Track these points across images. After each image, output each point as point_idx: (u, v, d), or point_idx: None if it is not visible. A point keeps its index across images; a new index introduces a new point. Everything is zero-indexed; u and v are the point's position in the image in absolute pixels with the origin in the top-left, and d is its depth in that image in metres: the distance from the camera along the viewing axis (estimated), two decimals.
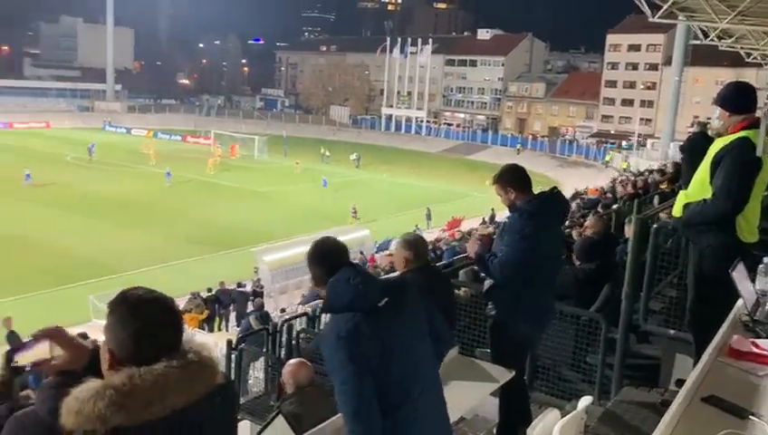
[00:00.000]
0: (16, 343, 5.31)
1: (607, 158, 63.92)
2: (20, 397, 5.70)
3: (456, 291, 5.99)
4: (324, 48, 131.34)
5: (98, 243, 29.32)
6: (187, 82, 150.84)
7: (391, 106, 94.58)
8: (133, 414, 1.74)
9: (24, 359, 2.30)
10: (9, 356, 2.28)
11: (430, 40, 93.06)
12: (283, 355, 7.56)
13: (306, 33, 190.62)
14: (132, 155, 57.80)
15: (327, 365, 2.88)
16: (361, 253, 25.74)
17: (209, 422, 1.94)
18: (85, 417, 1.72)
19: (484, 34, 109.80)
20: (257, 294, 20.33)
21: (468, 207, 39.56)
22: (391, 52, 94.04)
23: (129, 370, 1.81)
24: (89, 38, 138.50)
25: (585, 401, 3.54)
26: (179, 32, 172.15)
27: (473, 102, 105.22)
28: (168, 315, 1.94)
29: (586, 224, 7.51)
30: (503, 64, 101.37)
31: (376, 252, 24.84)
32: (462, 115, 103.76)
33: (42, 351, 2.23)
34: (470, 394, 4.22)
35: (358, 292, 2.80)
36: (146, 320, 1.88)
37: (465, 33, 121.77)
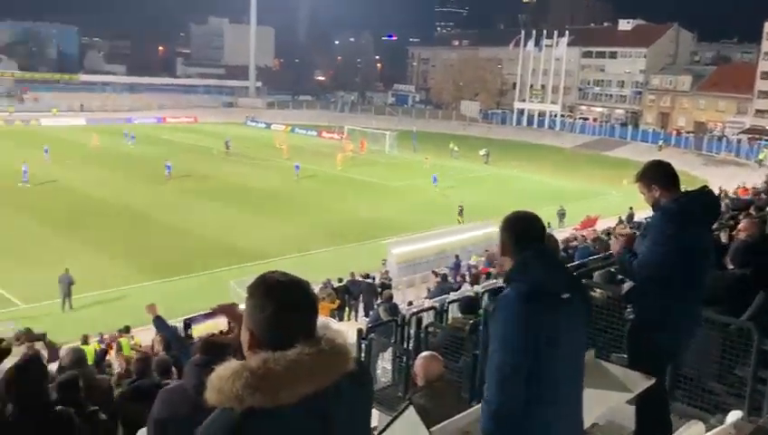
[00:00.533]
0: (161, 327, 5.65)
1: (761, 156, 58.95)
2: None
3: (592, 293, 5.75)
4: (456, 43, 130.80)
5: (237, 231, 31.02)
6: (323, 78, 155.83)
7: (524, 100, 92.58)
8: (267, 397, 1.79)
9: (196, 331, 2.47)
10: (186, 324, 2.47)
11: (567, 32, 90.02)
12: (410, 347, 7.62)
13: (439, 29, 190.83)
14: (268, 149, 60.58)
15: (493, 327, 2.83)
16: (486, 250, 25.43)
17: (342, 409, 1.96)
18: (224, 395, 1.80)
19: (625, 25, 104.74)
20: (385, 286, 20.63)
21: (604, 206, 37.95)
22: (525, 45, 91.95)
23: (264, 354, 1.86)
24: (234, 38, 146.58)
25: (734, 415, 3.28)
26: (317, 30, 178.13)
27: (611, 96, 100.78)
28: (304, 300, 1.97)
29: (739, 227, 6.94)
30: (645, 56, 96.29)
31: None
32: (599, 109, 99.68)
33: (214, 325, 2.38)
34: (604, 400, 4.02)
35: (549, 274, 2.77)
36: (282, 303, 1.92)
37: (605, 24, 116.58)
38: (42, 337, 7.34)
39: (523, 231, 2.87)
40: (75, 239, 28.28)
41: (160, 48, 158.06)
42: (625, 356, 4.54)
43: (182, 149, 59.45)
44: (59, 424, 3.53)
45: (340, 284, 21.04)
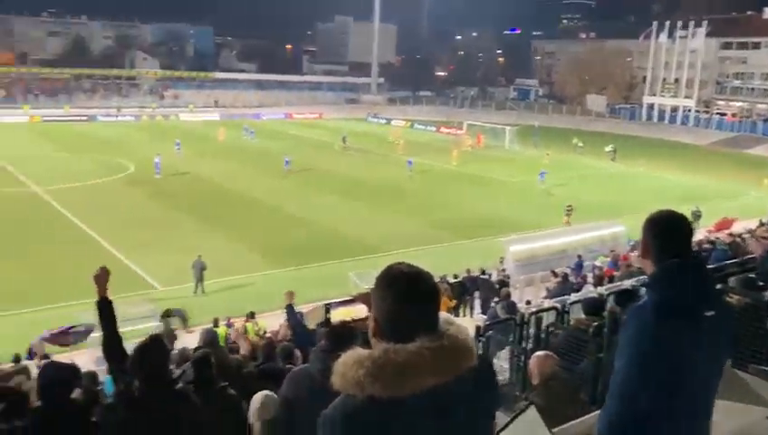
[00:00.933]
0: (290, 314, 5.88)
1: None
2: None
3: (728, 298, 5.39)
4: (583, 35, 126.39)
5: (354, 224, 31.70)
6: (443, 74, 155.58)
7: (654, 94, 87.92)
8: (386, 387, 1.83)
9: (334, 316, 2.58)
10: (326, 309, 2.58)
11: (704, 22, 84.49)
12: (529, 347, 7.49)
13: (564, 21, 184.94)
14: (386, 145, 61.44)
15: (623, 337, 2.67)
16: (612, 251, 24.42)
17: (461, 407, 1.96)
18: (347, 381, 1.86)
19: None
20: (503, 283, 20.35)
21: (742, 207, 35.41)
22: (657, 36, 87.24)
23: (386, 344, 1.90)
24: (358, 35, 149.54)
25: None
26: (438, 25, 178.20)
27: (753, 89, 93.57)
28: (426, 292, 1.98)
29: None
30: None
31: (630, 250, 23.34)
32: (739, 104, 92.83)
33: (350, 312, 2.48)
34: (740, 414, 3.77)
35: (694, 288, 2.57)
36: (403, 294, 1.94)
37: (748, 13, 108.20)
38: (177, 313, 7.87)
39: (669, 234, 2.65)
40: (207, 227, 30.02)
41: (288, 47, 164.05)
42: (765, 368, 4.23)
43: (305, 144, 61.62)
44: (180, 400, 3.78)
45: (456, 280, 20.96)
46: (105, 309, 4.29)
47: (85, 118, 75.58)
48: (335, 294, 19.30)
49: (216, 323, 15.73)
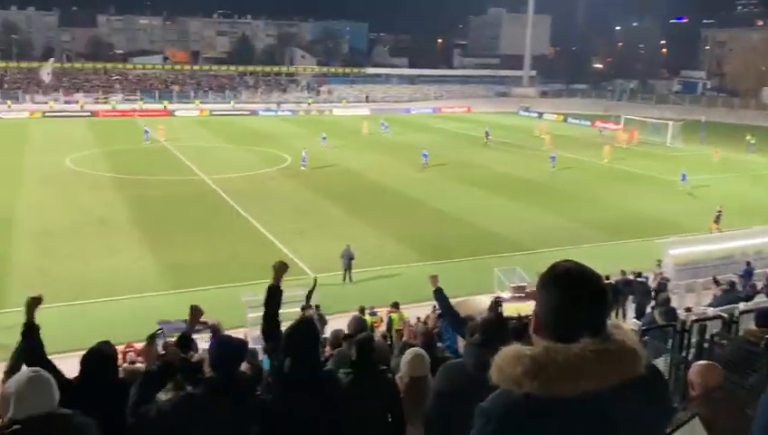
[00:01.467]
0: (439, 298, 5.85)
1: None
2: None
3: None
4: (761, 22, 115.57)
5: (499, 219, 31.22)
6: (600, 66, 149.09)
7: None
8: (544, 386, 1.78)
9: (507, 310, 2.54)
10: (497, 303, 2.54)
11: None
12: (691, 356, 6.97)
13: (739, 7, 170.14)
14: (532, 139, 59.96)
15: None
16: None
17: (625, 415, 1.86)
18: (504, 376, 1.82)
19: None
20: (661, 288, 19.14)
21: None
22: None
23: (547, 343, 1.84)
24: (510, 27, 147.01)
25: None
26: (596, 15, 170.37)
27: None
28: (591, 293, 1.89)
29: None
30: None
31: None
32: None
33: (520, 307, 2.43)
34: None
35: None
36: (566, 293, 1.87)
37: None
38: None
39: None
40: (356, 218, 30.94)
41: (439, 41, 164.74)
42: None
43: (452, 137, 61.67)
44: (326, 382, 3.88)
45: (608, 281, 19.98)
46: (275, 295, 4.66)
47: (248, 112, 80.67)
48: (479, 291, 19.14)
49: (361, 312, 16.15)
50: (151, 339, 4.15)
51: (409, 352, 4.88)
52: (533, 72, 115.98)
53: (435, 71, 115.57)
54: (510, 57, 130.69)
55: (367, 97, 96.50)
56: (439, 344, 8.16)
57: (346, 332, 7.75)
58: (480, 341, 3.43)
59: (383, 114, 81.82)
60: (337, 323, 13.62)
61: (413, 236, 28.16)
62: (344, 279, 22.94)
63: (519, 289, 17.92)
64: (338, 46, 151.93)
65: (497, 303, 13.00)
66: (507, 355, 1.84)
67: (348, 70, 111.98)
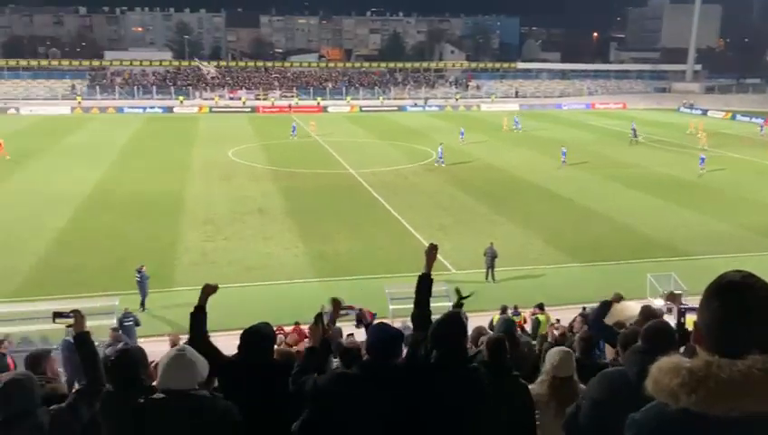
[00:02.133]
0: (601, 308, 5.59)
1: None
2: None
3: None
4: None
5: (654, 221, 29.47)
6: None
7: None
8: (701, 402, 1.68)
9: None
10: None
11: None
12: None
13: None
14: (687, 137, 56.02)
15: None
16: None
17: None
18: (660, 388, 1.75)
19: None
20: None
21: None
22: None
23: (709, 356, 1.73)
24: (673, 18, 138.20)
25: None
26: None
27: None
28: (759, 307, 1.75)
29: None
30: None
31: None
32: None
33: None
34: None
35: None
36: (729, 306, 1.76)
37: None
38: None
39: None
40: (500, 215, 30.55)
41: (594, 34, 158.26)
42: None
43: (605, 134, 59.07)
44: (472, 376, 3.88)
45: None
46: (426, 283, 4.69)
47: (396, 108, 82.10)
48: (630, 296, 18.17)
49: (503, 311, 15.94)
50: (317, 319, 4.37)
51: (556, 351, 4.76)
52: (698, 67, 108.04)
53: (589, 65, 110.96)
54: (672, 51, 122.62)
55: (516, 92, 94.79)
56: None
57: (488, 330, 7.70)
58: (643, 348, 3.28)
59: (533, 110, 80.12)
60: (477, 321, 13.56)
61: (560, 236, 27.34)
62: (486, 278, 22.74)
63: (673, 296, 16.82)
64: (488, 41, 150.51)
65: (674, 308, 12.16)
66: (664, 366, 1.76)
67: (497, 65, 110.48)
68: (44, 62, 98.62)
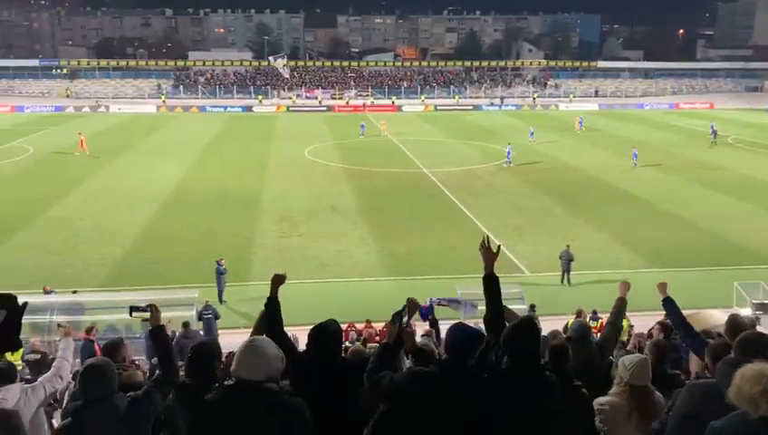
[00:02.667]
0: (670, 311, 5.41)
1: None
2: None
3: None
4: None
5: (741, 227, 28.07)
6: None
7: None
8: None
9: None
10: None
11: None
12: None
13: None
14: None
15: None
16: None
17: None
18: (741, 396, 1.74)
19: None
20: None
21: None
22: None
23: None
24: (766, 15, 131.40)
25: None
26: None
27: None
28: None
29: None
30: None
31: None
32: None
33: None
34: None
35: None
36: None
37: None
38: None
39: None
40: (577, 217, 29.83)
41: (680, 31, 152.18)
42: None
43: (688, 135, 56.74)
44: (544, 384, 3.78)
45: None
46: (493, 286, 4.64)
47: (471, 107, 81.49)
48: (714, 304, 17.42)
49: (578, 315, 15.56)
50: (395, 317, 4.39)
51: (632, 358, 4.59)
52: None
53: (674, 63, 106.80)
54: (764, 48, 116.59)
55: (596, 92, 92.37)
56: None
57: (565, 334, 7.52)
58: (737, 360, 3.11)
59: (612, 110, 77.93)
60: (551, 325, 13.29)
61: (640, 240, 26.45)
62: (562, 281, 22.26)
63: (763, 306, 16.07)
64: (567, 39, 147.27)
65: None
66: (747, 373, 1.72)
67: (576, 63, 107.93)
68: (132, 63, 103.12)
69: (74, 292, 19.43)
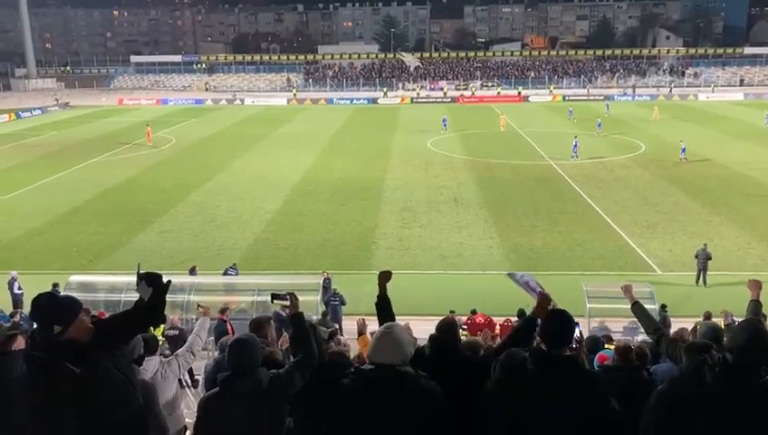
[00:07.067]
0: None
1: None
2: None
3: None
4: None
5: None
6: None
7: None
8: None
9: None
10: None
11: None
12: None
13: None
14: None
15: None
16: None
17: None
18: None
19: None
20: None
21: None
22: None
23: None
24: None
25: None
26: None
27: None
28: None
29: None
30: None
31: None
32: None
33: None
34: None
35: None
36: None
37: None
38: None
39: None
40: (717, 215, 27.88)
41: None
42: None
43: None
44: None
45: None
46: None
47: (602, 97, 77.97)
48: None
49: (707, 317, 14.59)
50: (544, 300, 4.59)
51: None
52: None
53: None
54: None
55: (741, 81, 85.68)
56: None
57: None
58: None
59: (760, 99, 71.94)
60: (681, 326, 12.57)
61: None
62: (697, 281, 20.91)
63: None
64: (710, 25, 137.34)
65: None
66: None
67: (720, 50, 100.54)
68: (266, 57, 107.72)
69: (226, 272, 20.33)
